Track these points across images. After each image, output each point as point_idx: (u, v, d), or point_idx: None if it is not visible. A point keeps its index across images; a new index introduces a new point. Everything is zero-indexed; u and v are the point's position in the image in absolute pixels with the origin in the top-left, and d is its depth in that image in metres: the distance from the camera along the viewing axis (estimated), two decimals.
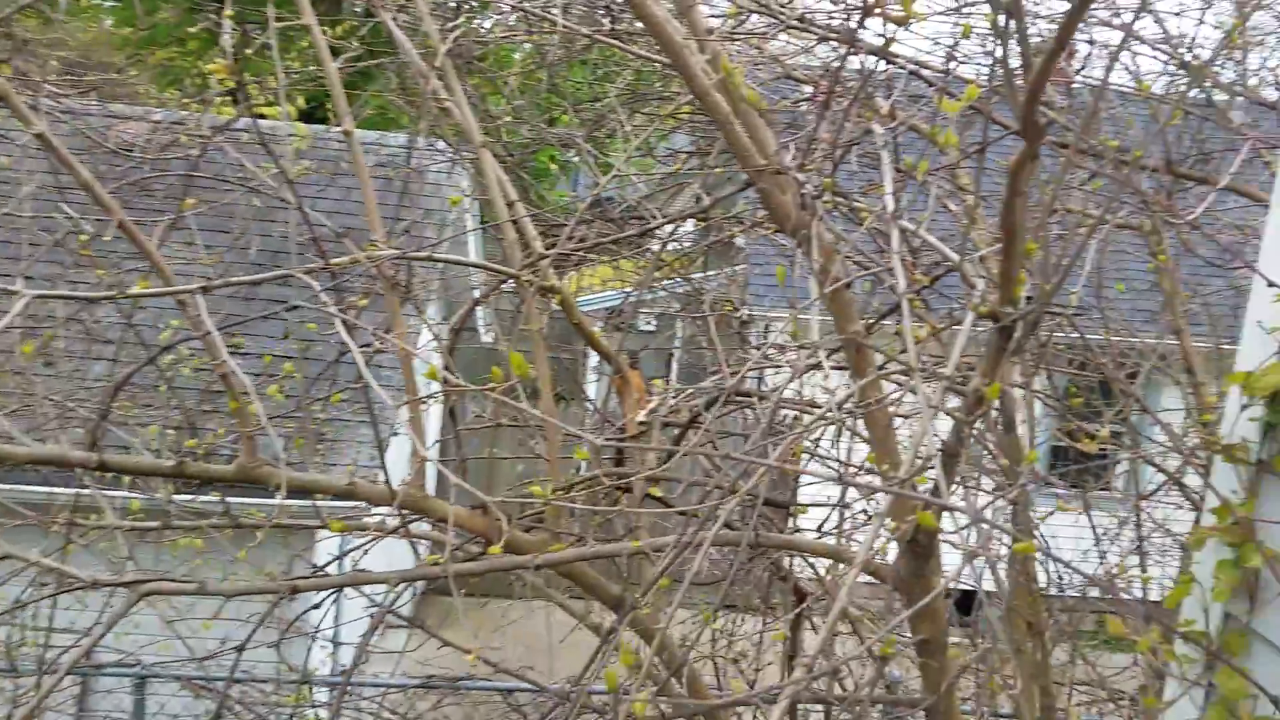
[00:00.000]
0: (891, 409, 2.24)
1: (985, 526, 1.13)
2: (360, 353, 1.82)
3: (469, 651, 3.11)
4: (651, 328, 10.47)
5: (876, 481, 2.05)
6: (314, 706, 4.94)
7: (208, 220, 6.42)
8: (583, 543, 2.52)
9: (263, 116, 9.33)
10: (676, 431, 2.80)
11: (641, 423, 2.49)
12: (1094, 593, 3.01)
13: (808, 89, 3.87)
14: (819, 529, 2.53)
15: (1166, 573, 2.96)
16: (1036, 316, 1.62)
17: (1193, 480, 2.85)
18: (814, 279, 1.91)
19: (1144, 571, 2.59)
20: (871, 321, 2.31)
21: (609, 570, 3.21)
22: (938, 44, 3.41)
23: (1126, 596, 2.85)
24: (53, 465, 2.71)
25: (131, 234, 2.45)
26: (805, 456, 2.36)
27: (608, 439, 3.06)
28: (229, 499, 2.95)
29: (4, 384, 4.41)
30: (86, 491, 2.89)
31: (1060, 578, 2.90)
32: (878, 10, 1.49)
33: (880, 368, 2.20)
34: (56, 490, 3.60)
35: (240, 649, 2.91)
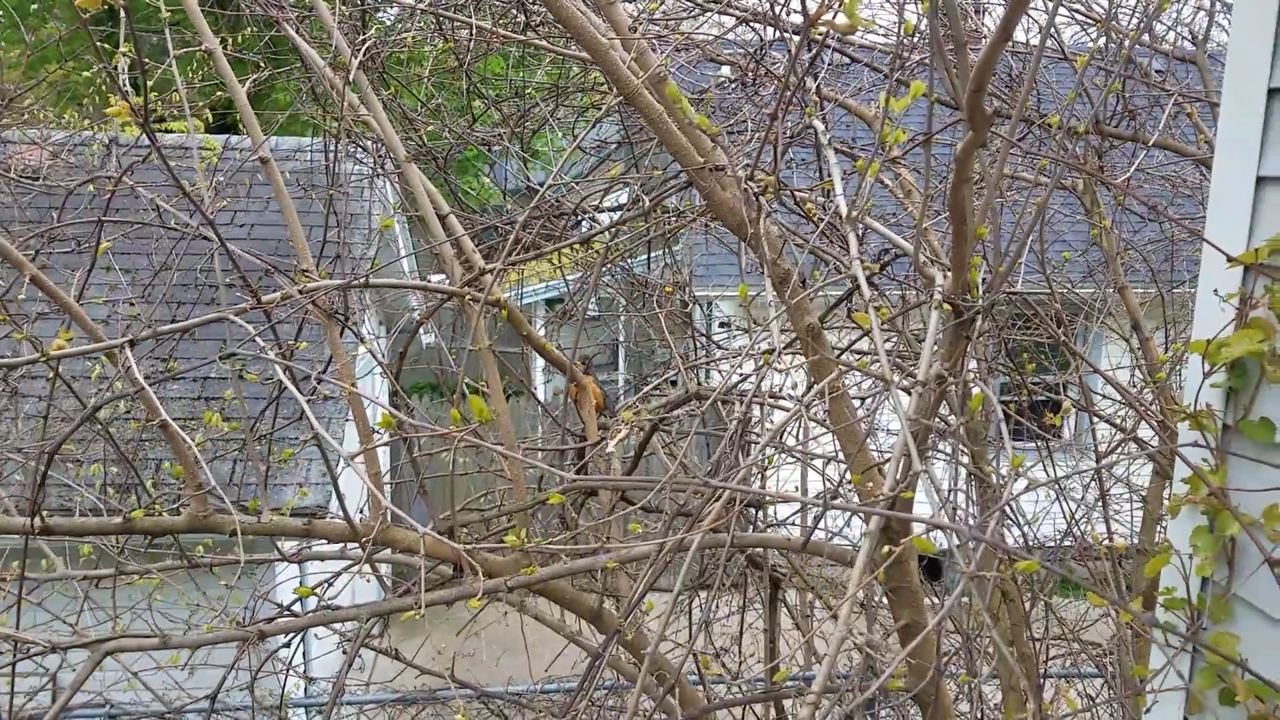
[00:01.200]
0: (851, 393, 2.23)
1: (983, 544, 1.12)
2: (306, 401, 1.74)
3: (447, 676, 3.06)
4: (595, 313, 10.39)
5: (847, 473, 2.04)
6: None
7: (125, 244, 6.18)
8: (555, 558, 2.48)
9: (169, 131, 8.98)
10: (640, 436, 2.76)
11: (609, 453, 2.44)
12: (1058, 556, 3.06)
13: (726, 70, 3.84)
14: (791, 518, 2.52)
15: (1126, 525, 3.02)
16: (993, 302, 1.61)
17: (1143, 431, 2.91)
18: (768, 278, 1.88)
19: (1108, 527, 2.64)
20: (824, 312, 2.30)
21: (584, 576, 3.16)
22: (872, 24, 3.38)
23: (1090, 549, 2.89)
24: None
25: (49, 290, 2.33)
26: (773, 453, 2.35)
27: (566, 447, 3.02)
28: (181, 535, 2.86)
29: None
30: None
31: (1026, 538, 2.94)
32: (821, 21, 1.45)
33: (838, 357, 2.18)
34: None
35: (213, 697, 2.83)
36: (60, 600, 3.67)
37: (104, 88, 7.06)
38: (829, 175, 1.77)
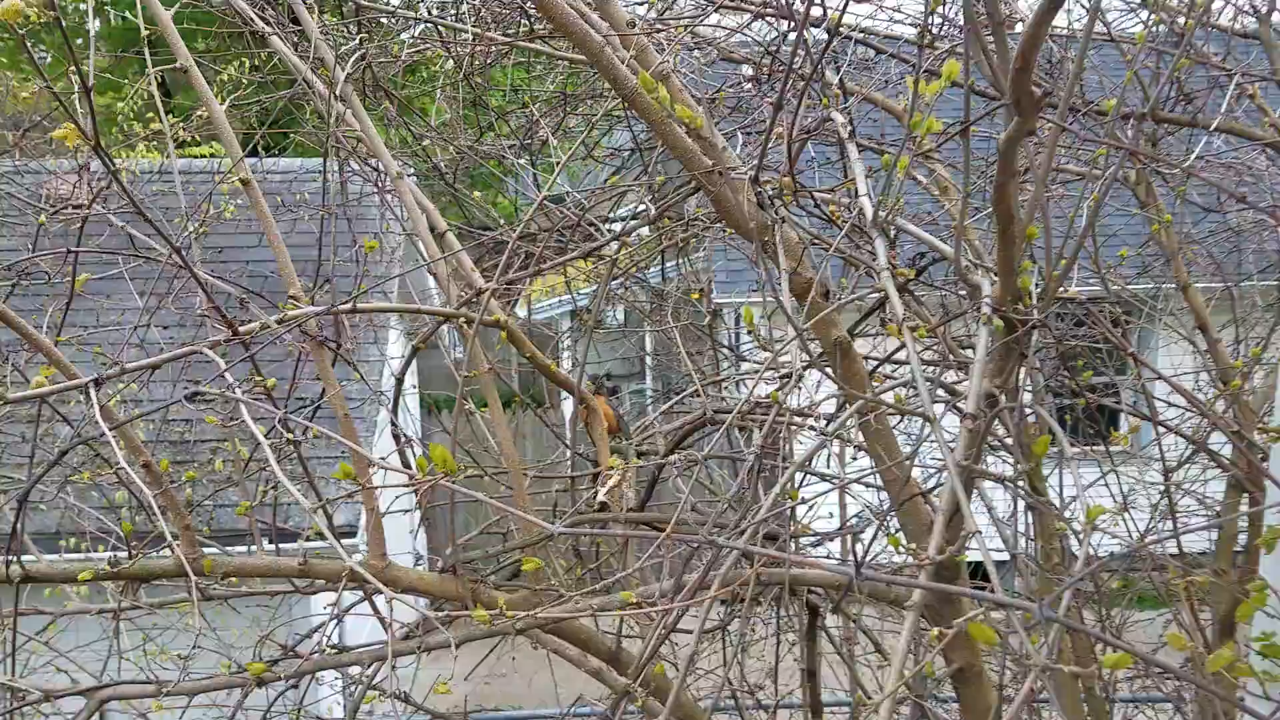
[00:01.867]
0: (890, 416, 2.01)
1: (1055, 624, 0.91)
2: (289, 441, 1.57)
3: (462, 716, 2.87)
4: (619, 321, 10.20)
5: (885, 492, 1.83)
6: None
7: (137, 264, 6.07)
8: (567, 598, 2.29)
9: (200, 156, 8.93)
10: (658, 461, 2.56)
11: (602, 504, 2.24)
12: (1126, 569, 2.83)
13: (746, 69, 3.63)
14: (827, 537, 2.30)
15: (1202, 539, 2.78)
16: (1047, 312, 1.40)
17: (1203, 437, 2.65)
18: (785, 290, 1.68)
19: (1179, 544, 2.40)
20: (854, 324, 2.09)
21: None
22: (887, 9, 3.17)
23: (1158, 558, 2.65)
24: None
25: (17, 326, 2.18)
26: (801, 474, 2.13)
27: (578, 474, 2.83)
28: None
29: None
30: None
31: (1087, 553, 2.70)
32: None
33: (871, 373, 1.97)
34: None
35: None
36: (90, 627, 3.51)
37: (131, 115, 6.99)
38: (852, 174, 1.57)
